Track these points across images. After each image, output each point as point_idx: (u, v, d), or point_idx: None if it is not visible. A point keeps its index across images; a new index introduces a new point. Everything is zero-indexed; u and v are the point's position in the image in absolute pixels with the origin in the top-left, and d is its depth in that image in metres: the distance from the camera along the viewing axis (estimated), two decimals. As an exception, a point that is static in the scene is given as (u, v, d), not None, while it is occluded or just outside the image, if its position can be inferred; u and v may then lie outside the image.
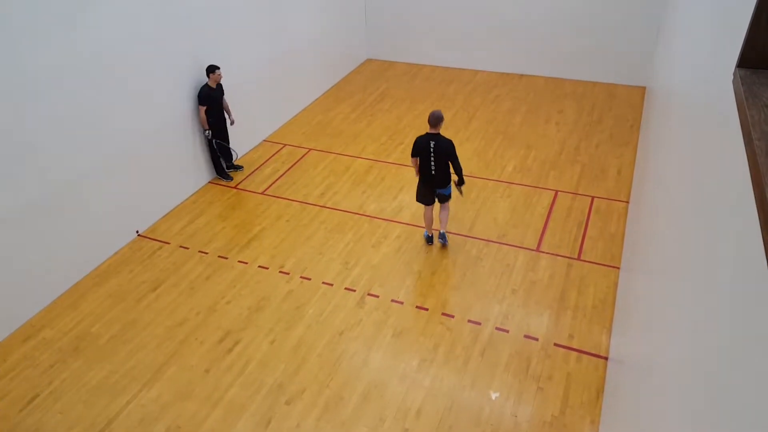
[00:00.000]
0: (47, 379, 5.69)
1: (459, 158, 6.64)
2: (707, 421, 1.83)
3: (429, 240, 7.27)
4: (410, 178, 8.63)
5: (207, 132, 8.20)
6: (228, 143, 8.55)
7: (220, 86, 8.13)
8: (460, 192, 6.92)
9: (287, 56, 10.15)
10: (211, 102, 8.03)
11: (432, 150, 6.52)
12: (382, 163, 9.14)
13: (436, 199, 6.98)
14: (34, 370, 5.80)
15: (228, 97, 8.40)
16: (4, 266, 6.01)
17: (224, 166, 8.74)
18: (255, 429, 5.10)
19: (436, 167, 6.62)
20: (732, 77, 1.95)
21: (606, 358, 5.58)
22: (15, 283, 6.18)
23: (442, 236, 7.15)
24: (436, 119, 6.44)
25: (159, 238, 7.60)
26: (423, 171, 6.75)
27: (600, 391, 5.26)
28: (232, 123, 8.47)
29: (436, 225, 7.40)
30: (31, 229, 6.21)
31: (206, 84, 7.96)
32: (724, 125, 2.34)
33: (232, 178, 8.78)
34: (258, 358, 5.80)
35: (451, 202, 7.84)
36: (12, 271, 6.10)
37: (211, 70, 7.88)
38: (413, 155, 6.71)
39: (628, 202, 7.82)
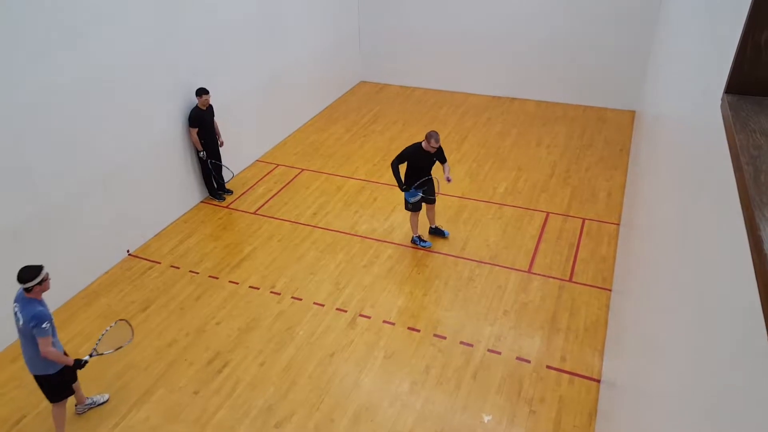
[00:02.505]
0: (35, 399, 5.57)
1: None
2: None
3: (419, 241, 7.55)
4: (402, 198, 8.63)
5: (201, 153, 8.22)
6: (221, 162, 8.56)
7: (210, 108, 8.15)
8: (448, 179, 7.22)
9: (281, 78, 10.23)
10: (201, 124, 8.06)
11: (432, 162, 7.06)
12: (374, 183, 9.17)
13: (423, 204, 7.42)
14: (21, 390, 5.69)
15: (221, 117, 8.43)
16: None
17: (216, 186, 8.73)
18: (244, 452, 5.01)
19: (429, 176, 7.17)
20: (720, 102, 1.99)
21: (599, 381, 5.56)
22: (3, 303, 6.08)
23: (436, 230, 7.63)
24: (437, 138, 6.76)
25: (150, 258, 7.54)
26: (418, 180, 7.05)
27: (593, 414, 5.23)
28: (221, 144, 8.49)
29: (422, 229, 7.66)
30: (22, 248, 6.14)
31: (196, 106, 8.00)
32: (712, 150, 2.38)
33: (224, 199, 8.77)
34: (247, 380, 5.73)
35: (444, 223, 7.88)
36: (1, 291, 6.02)
37: (199, 93, 7.89)
38: (401, 160, 6.96)
39: (618, 224, 7.87)
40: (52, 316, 4.64)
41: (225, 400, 5.52)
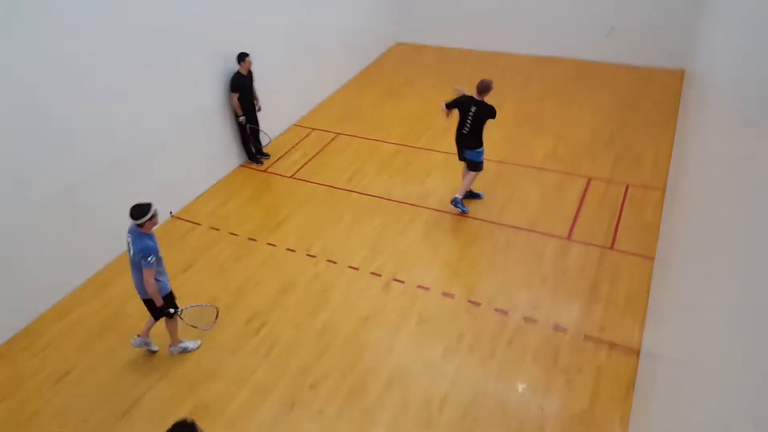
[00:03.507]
0: (80, 355, 5.82)
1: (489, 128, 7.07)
2: (751, 422, 1.73)
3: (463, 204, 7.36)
4: (437, 162, 8.52)
5: (241, 117, 8.27)
6: (259, 127, 8.59)
7: (251, 73, 8.16)
8: None
9: (317, 41, 10.09)
10: (242, 89, 8.09)
11: (471, 114, 6.93)
12: (409, 147, 9.04)
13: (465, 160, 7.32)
14: (68, 346, 5.94)
15: (258, 83, 8.39)
16: (43, 245, 6.14)
17: (254, 150, 8.79)
18: (279, 412, 5.14)
19: (469, 130, 7.02)
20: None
21: (638, 352, 5.44)
22: (53, 262, 6.32)
23: (454, 201, 7.28)
24: (484, 87, 6.84)
25: (192, 220, 7.68)
26: (457, 129, 7.14)
27: (631, 386, 5.12)
28: (259, 109, 8.50)
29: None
30: (71, 210, 6.34)
31: (237, 71, 8.01)
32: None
33: (262, 163, 8.82)
34: (284, 341, 5.83)
35: (481, 188, 7.73)
36: (50, 250, 6.23)
37: (242, 57, 7.91)
38: (449, 106, 7.06)
39: (664, 190, 7.57)
40: (159, 249, 5.06)
41: (263, 360, 5.64)
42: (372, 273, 6.62)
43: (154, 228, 5.08)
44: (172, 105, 7.39)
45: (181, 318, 5.46)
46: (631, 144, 8.71)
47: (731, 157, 3.12)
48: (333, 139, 9.43)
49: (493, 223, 7.26)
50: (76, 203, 6.41)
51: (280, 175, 8.59)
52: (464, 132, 7.07)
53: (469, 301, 6.15)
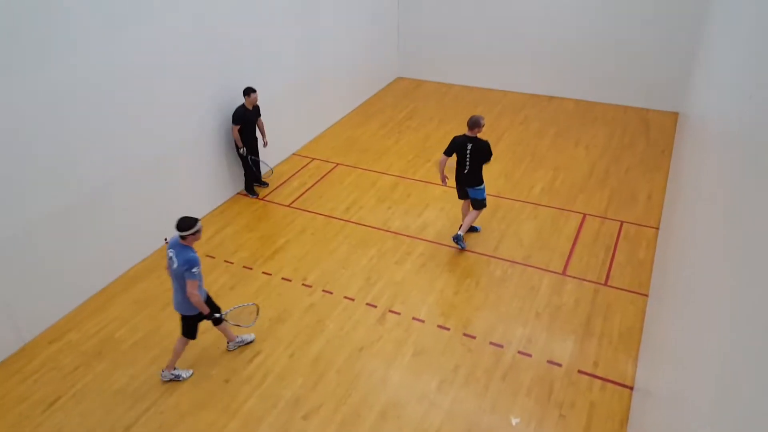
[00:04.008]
0: (70, 381, 5.76)
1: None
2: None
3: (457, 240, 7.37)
4: (436, 195, 8.61)
5: (242, 149, 8.28)
6: (259, 158, 8.65)
7: (256, 108, 8.23)
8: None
9: (320, 73, 10.28)
10: (244, 122, 8.13)
11: (468, 151, 6.96)
12: (408, 180, 9.14)
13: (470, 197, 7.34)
14: (58, 372, 5.89)
15: (261, 110, 8.48)
16: (35, 270, 6.14)
17: (252, 182, 8.80)
18: (271, 442, 5.07)
19: (469, 167, 7.04)
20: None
21: (631, 388, 5.42)
22: (44, 286, 6.31)
23: (456, 237, 7.31)
24: (473, 122, 6.87)
25: (185, 247, 7.68)
26: (457, 169, 7.17)
27: (624, 422, 5.10)
28: (265, 145, 8.54)
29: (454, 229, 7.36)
30: (63, 233, 6.35)
31: (242, 105, 8.06)
32: (762, 153, 2.28)
33: (257, 195, 8.83)
34: (277, 370, 5.80)
35: (479, 222, 7.79)
36: (42, 275, 6.23)
37: (247, 92, 7.96)
38: (447, 153, 7.07)
39: (658, 228, 7.65)
40: (200, 264, 5.18)
41: (255, 389, 5.60)
42: (367, 304, 6.62)
43: (195, 243, 5.26)
44: (170, 130, 7.47)
45: (226, 320, 5.62)
46: (626, 182, 8.83)
47: (723, 199, 3.19)
48: (332, 169, 9.53)
49: (489, 256, 7.30)
50: (68, 226, 6.42)
51: (278, 203, 8.65)
52: (465, 171, 7.09)
53: (465, 334, 6.14)
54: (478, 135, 6.91)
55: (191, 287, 5.08)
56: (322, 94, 10.57)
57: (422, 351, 5.96)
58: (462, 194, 7.39)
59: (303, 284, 6.96)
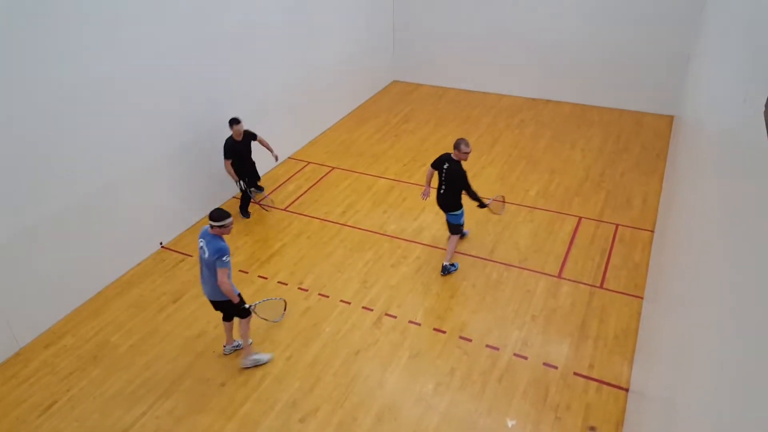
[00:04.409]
0: (66, 386, 5.74)
1: (472, 187, 6.69)
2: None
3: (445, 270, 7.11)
4: (431, 198, 8.60)
5: (240, 183, 7.91)
6: (258, 184, 8.55)
7: (247, 135, 7.73)
8: (492, 211, 7.12)
9: (315, 76, 10.30)
10: (236, 155, 7.66)
11: (444, 171, 6.74)
12: (404, 183, 9.15)
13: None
14: (54, 376, 5.87)
15: (255, 113, 8.48)
16: (30, 274, 6.13)
17: (248, 205, 8.42)
18: (267, 446, 5.07)
19: (445, 188, 6.82)
20: (763, 109, 1.92)
21: (627, 390, 5.44)
22: (40, 290, 6.29)
23: (443, 269, 7.05)
24: (455, 144, 6.59)
25: (182, 251, 7.68)
26: (437, 187, 6.99)
27: (620, 424, 5.12)
28: (276, 159, 8.27)
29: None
30: (58, 238, 6.34)
31: (231, 137, 7.58)
32: (756, 156, 2.30)
33: (249, 216, 8.43)
34: (274, 373, 5.79)
35: (473, 225, 7.80)
36: (38, 279, 6.22)
37: (231, 123, 7.46)
38: (433, 166, 6.91)
39: (653, 231, 7.69)
40: (230, 253, 5.28)
41: (251, 392, 5.59)
42: (364, 307, 6.62)
43: (225, 237, 5.37)
44: (166, 135, 7.47)
45: (254, 312, 5.59)
46: (621, 185, 8.87)
47: (718, 202, 3.21)
48: (328, 173, 9.54)
49: (485, 259, 7.32)
50: (64, 231, 6.41)
51: (274, 207, 8.64)
52: (441, 192, 6.84)
53: (461, 337, 6.15)
54: (462, 161, 6.58)
55: (222, 275, 5.17)
56: (317, 98, 10.58)
57: (418, 354, 5.97)
58: (444, 210, 7.06)
59: (299, 288, 6.96)
